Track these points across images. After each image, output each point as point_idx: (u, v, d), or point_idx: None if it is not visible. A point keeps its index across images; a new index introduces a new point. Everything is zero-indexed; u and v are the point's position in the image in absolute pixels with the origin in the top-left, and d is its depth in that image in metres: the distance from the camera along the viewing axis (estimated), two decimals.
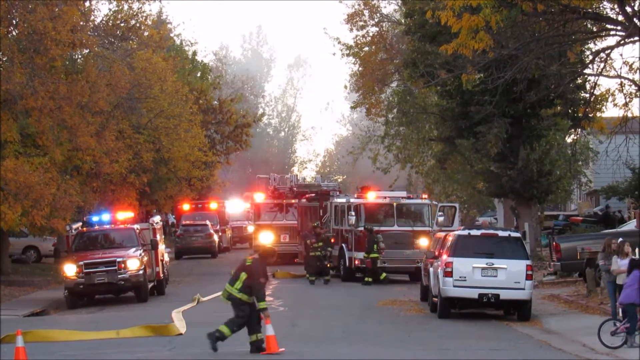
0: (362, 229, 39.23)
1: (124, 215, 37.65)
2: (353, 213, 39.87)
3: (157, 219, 39.51)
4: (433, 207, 41.52)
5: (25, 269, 45.69)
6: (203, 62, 74.99)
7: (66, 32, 34.16)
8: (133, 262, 33.68)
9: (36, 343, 22.52)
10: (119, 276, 33.45)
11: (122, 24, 42.27)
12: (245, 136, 70.36)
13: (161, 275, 36.98)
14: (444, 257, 28.05)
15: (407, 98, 54.34)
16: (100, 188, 43.15)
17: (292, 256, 48.12)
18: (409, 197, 41.45)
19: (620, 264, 24.67)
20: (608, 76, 28.40)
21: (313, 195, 47.08)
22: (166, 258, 39.92)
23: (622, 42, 26.56)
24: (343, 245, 40.72)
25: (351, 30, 57.61)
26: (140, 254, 34.25)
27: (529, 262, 27.90)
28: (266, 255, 21.31)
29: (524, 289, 27.29)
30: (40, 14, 33.85)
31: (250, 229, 59.20)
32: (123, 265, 33.53)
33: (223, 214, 67.04)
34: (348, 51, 58.55)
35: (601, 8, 28.25)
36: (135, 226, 36.53)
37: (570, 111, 44.32)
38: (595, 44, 34.50)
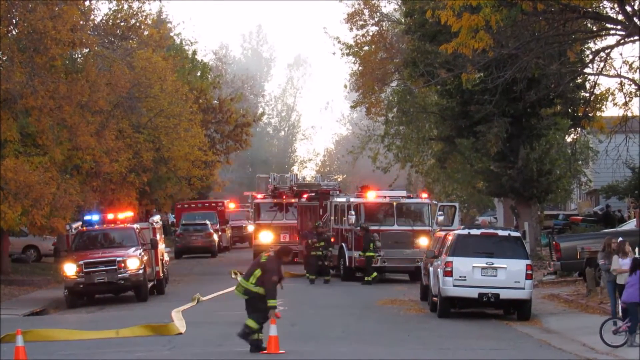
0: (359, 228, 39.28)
1: (117, 215, 37.42)
2: (353, 212, 39.87)
3: (157, 218, 39.50)
4: (433, 207, 41.53)
5: (25, 269, 45.71)
6: (203, 61, 74.99)
7: (66, 31, 34.16)
8: (133, 262, 33.66)
9: (36, 342, 22.49)
10: (119, 275, 33.43)
11: (122, 23, 42.30)
12: (245, 135, 70.39)
13: (161, 274, 36.96)
14: (444, 256, 28.05)
15: (407, 97, 54.36)
16: (100, 187, 43.17)
17: (292, 255, 48.01)
18: (409, 197, 41.45)
19: (621, 263, 24.68)
20: (608, 75, 28.43)
21: (313, 194, 47.07)
22: (166, 257, 39.90)
23: (622, 41, 26.57)
24: (343, 244, 40.71)
25: (351, 29, 57.60)
26: (140, 254, 34.24)
27: (528, 261, 27.90)
28: (282, 254, 21.19)
29: (523, 288, 27.29)
30: (40, 13, 33.86)
31: (250, 228, 59.21)
32: (123, 264, 33.51)
33: (223, 213, 67.04)
34: (348, 50, 58.53)
35: (601, 7, 28.24)
36: (135, 225, 36.51)
37: (570, 110, 44.33)
38: (595, 44, 34.50)
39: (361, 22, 57.38)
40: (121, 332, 24.12)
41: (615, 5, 26.73)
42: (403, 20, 51.39)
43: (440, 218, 39.74)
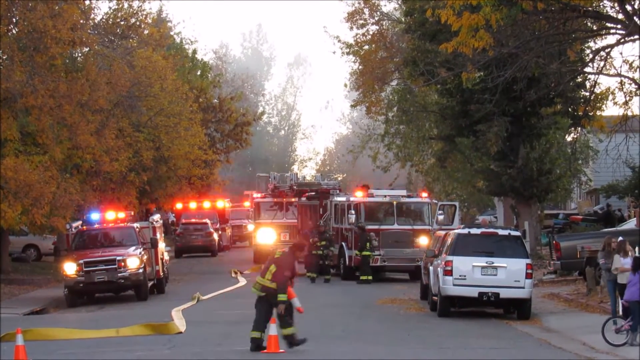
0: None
1: (115, 214, 37.42)
2: (353, 212, 39.90)
3: (157, 217, 39.50)
4: (433, 206, 41.54)
5: (25, 268, 45.71)
6: (203, 60, 74.92)
7: (66, 30, 34.16)
8: (133, 261, 33.66)
9: (36, 341, 22.47)
10: (119, 274, 33.44)
11: (122, 22, 42.29)
12: (245, 134, 70.38)
13: (161, 273, 36.95)
14: (444, 255, 28.05)
15: (407, 96, 54.34)
16: (100, 186, 43.14)
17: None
18: (409, 196, 41.45)
19: (623, 262, 24.67)
20: (608, 75, 28.45)
21: (313, 193, 47.08)
22: (166, 256, 39.90)
23: (622, 40, 26.59)
24: (343, 243, 40.73)
25: (351, 28, 57.54)
26: (140, 253, 34.24)
27: (528, 260, 27.90)
28: (296, 249, 21.31)
29: (523, 287, 27.29)
30: (40, 12, 33.85)
31: (250, 227, 59.20)
32: (123, 263, 33.51)
33: (223, 212, 67.01)
34: (348, 50, 58.48)
35: (601, 6, 28.25)
36: (135, 224, 36.51)
37: (570, 110, 44.28)
38: (595, 43, 34.46)
39: (361, 21, 57.33)
40: (121, 331, 24.11)
41: (616, 5, 26.76)
42: (403, 20, 51.37)
43: (440, 217, 39.74)
